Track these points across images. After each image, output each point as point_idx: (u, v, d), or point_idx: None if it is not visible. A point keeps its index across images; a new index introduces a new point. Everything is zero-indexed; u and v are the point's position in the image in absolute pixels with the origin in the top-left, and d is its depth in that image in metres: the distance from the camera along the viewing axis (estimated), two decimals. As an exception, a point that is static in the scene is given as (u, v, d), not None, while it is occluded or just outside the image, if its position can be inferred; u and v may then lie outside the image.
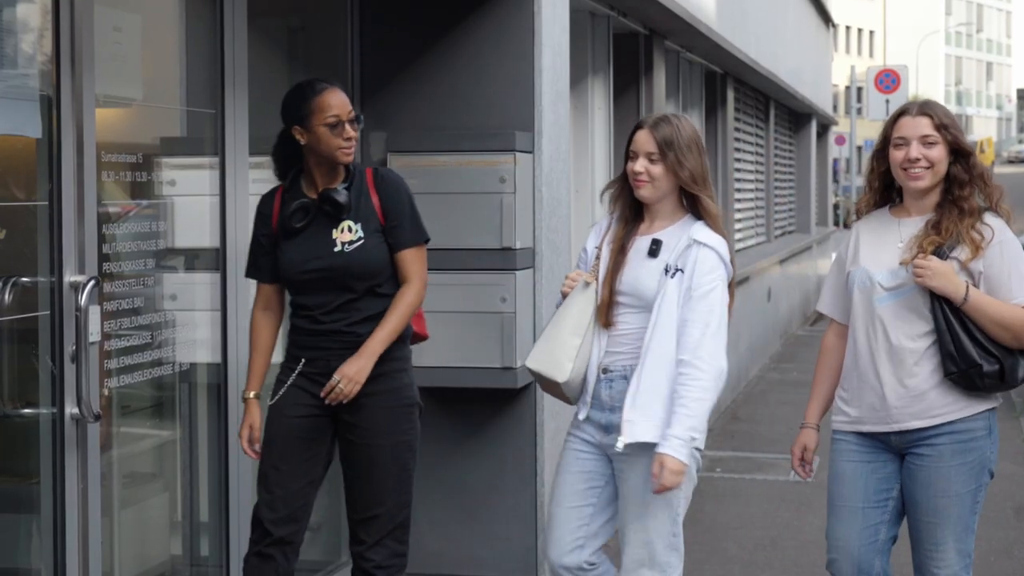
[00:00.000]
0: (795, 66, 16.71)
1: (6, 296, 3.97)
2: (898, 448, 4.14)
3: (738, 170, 13.56)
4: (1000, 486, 8.38)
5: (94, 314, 4.05)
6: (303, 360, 4.29)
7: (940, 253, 4.02)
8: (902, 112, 4.16)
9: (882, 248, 4.14)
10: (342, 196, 4.25)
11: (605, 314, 4.19)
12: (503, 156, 5.49)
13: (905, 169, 4.09)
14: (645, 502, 4.12)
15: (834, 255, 4.39)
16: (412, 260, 4.35)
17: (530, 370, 4.27)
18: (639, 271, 4.18)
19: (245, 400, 4.36)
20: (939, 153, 4.07)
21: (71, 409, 4.02)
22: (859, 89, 30.64)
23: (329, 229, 4.26)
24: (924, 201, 4.13)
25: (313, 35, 6.07)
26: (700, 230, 4.18)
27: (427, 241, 4.44)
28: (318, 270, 4.24)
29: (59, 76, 4.01)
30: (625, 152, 4.28)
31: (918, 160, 4.06)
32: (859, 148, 45.71)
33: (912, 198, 4.15)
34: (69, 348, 4.02)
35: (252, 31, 5.05)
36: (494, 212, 5.47)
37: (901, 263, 4.06)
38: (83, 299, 3.98)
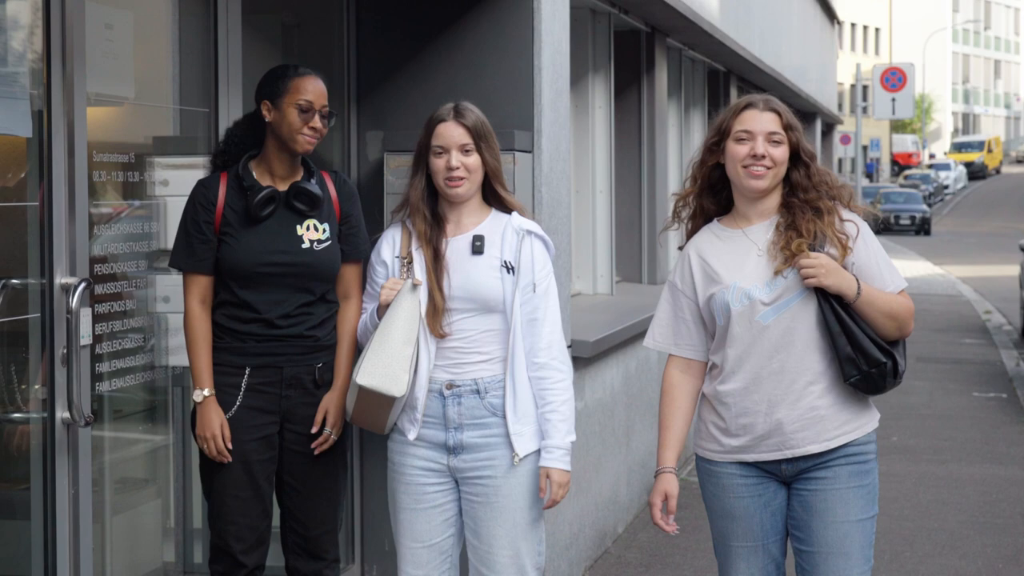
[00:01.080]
0: (799, 64, 16.71)
1: (-4, 298, 3.97)
2: (786, 477, 3.85)
3: (741, 170, 13.55)
4: (1008, 492, 8.38)
5: (85, 316, 4.05)
6: (247, 370, 4.12)
7: (816, 251, 3.76)
8: (747, 105, 3.85)
9: (743, 260, 3.82)
10: (317, 191, 4.14)
11: (438, 324, 3.98)
12: (502, 155, 5.47)
13: (746, 166, 3.78)
14: (515, 522, 4.02)
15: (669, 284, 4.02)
16: (358, 274, 4.26)
17: (361, 387, 3.96)
18: (469, 271, 4.02)
19: (203, 400, 4.08)
20: (783, 154, 3.80)
21: (62, 413, 4.02)
22: (865, 87, 30.67)
23: (293, 224, 4.14)
24: (763, 205, 3.85)
25: (308, 32, 6.07)
26: (525, 221, 4.08)
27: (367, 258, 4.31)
28: (282, 264, 4.09)
29: (50, 74, 4.01)
30: (420, 150, 4.07)
31: (763, 157, 3.77)
32: (865, 148, 45.71)
33: (748, 203, 3.85)
34: (60, 351, 4.01)
35: (246, 28, 5.05)
36: (493, 213, 5.46)
37: (776, 272, 3.76)
38: (74, 301, 3.97)
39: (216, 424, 4.08)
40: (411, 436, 4.04)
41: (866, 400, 3.87)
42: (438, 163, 4.03)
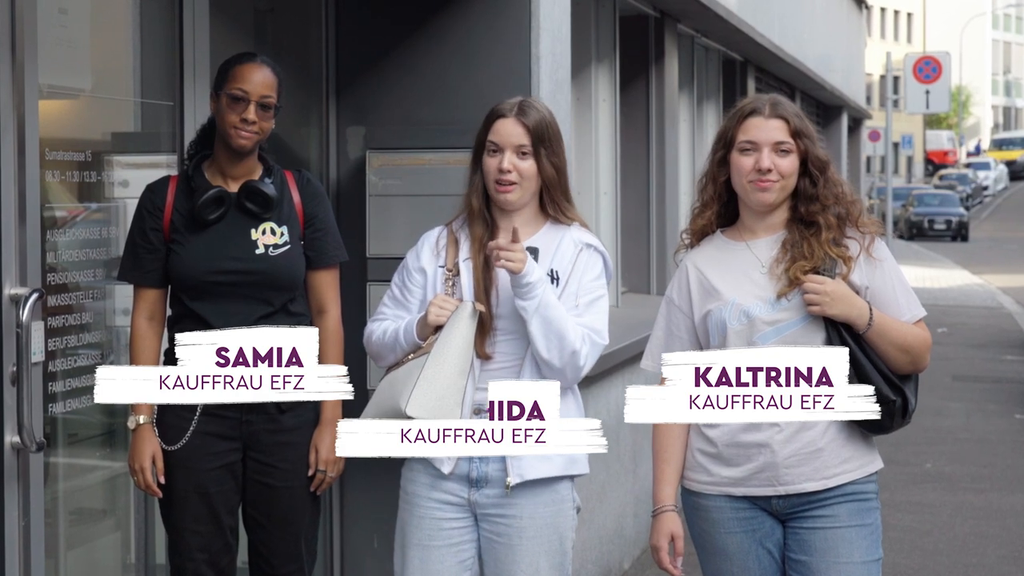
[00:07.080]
0: (824, 53, 16.76)
1: (-62, 310, 3.97)
2: (779, 512, 3.85)
3: (760, 169, 13.59)
4: (1054, 523, 8.39)
5: (37, 331, 4.05)
6: None
7: (822, 273, 3.77)
8: (751, 111, 3.86)
9: (745, 277, 3.85)
10: (270, 190, 4.14)
11: (483, 344, 3.93)
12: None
13: (752, 181, 3.81)
14: (538, 567, 3.98)
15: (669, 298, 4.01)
16: (331, 283, 4.27)
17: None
18: None
19: (137, 427, 4.11)
20: (791, 165, 3.82)
21: (11, 437, 4.02)
22: (896, 79, 30.75)
23: (247, 228, 4.14)
24: (771, 219, 3.88)
25: (283, 18, 6.08)
26: (584, 233, 4.04)
27: (345, 261, 4.32)
28: (234, 272, 4.10)
29: (-2, 64, 4.02)
30: (478, 145, 4.03)
31: (769, 171, 3.80)
32: (895, 145, 45.82)
33: (756, 216, 3.88)
34: (9, 369, 4.02)
35: (214, 14, 5.06)
36: (486, 216, 5.47)
37: (779, 296, 3.79)
38: (25, 314, 3.98)
39: (147, 456, 4.10)
40: (446, 469, 3.95)
41: (870, 439, 3.87)
42: (490, 162, 3.98)
